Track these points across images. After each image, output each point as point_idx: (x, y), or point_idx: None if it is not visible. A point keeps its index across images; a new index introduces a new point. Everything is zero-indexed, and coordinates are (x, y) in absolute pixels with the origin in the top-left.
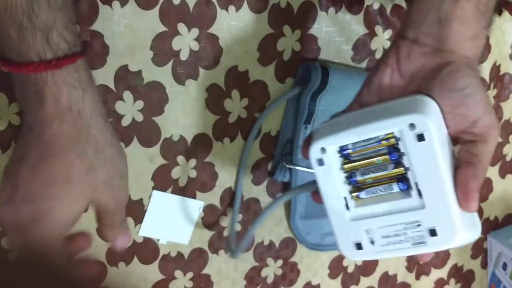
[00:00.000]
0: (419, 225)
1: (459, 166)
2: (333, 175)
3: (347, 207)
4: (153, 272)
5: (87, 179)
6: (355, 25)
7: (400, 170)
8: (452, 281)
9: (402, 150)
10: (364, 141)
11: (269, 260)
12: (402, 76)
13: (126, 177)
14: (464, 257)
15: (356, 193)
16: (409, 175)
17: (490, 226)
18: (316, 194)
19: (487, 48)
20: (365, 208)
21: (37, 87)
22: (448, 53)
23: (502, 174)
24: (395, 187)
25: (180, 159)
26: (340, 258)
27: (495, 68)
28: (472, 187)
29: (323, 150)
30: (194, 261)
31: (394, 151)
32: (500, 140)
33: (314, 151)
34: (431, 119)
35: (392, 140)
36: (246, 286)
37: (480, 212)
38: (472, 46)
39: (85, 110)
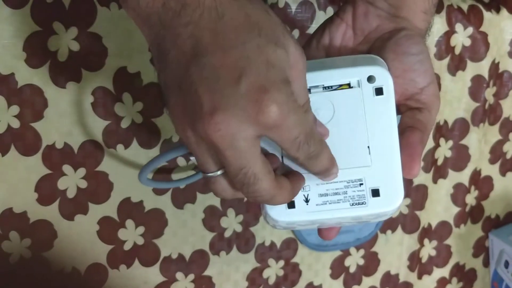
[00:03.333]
0: (361, 184)
1: (403, 131)
2: None
3: (282, 161)
4: (154, 274)
5: (268, 22)
6: None
7: None
8: (454, 280)
9: None
10: (314, 87)
11: (271, 261)
12: (355, 35)
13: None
14: (466, 256)
15: None
16: None
17: (491, 224)
18: None
19: (485, 45)
20: None
21: None
22: (402, 19)
23: (503, 172)
24: None
25: (181, 160)
26: (342, 258)
27: (494, 65)
28: (419, 151)
29: None
30: (195, 262)
31: None
32: (500, 137)
33: None
34: (390, 75)
35: None
36: None
37: (481, 210)
38: (423, 19)
39: None
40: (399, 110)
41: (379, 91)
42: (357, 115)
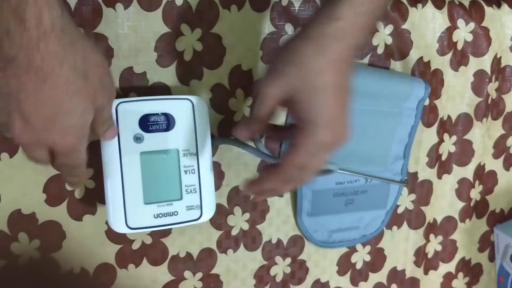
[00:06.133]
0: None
1: None
2: None
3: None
4: (162, 273)
5: (86, 88)
6: None
7: None
8: (461, 275)
9: None
10: None
11: (278, 259)
12: None
13: (111, 73)
14: (472, 251)
15: None
16: None
17: (496, 218)
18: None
19: (487, 40)
20: None
21: (17, 11)
22: None
23: (507, 166)
24: None
25: None
26: (348, 254)
27: (496, 60)
28: None
29: None
30: (203, 261)
31: None
32: (503, 132)
33: None
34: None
35: None
36: (255, 285)
37: (486, 204)
38: None
39: (65, 26)
40: None
41: None
42: None
